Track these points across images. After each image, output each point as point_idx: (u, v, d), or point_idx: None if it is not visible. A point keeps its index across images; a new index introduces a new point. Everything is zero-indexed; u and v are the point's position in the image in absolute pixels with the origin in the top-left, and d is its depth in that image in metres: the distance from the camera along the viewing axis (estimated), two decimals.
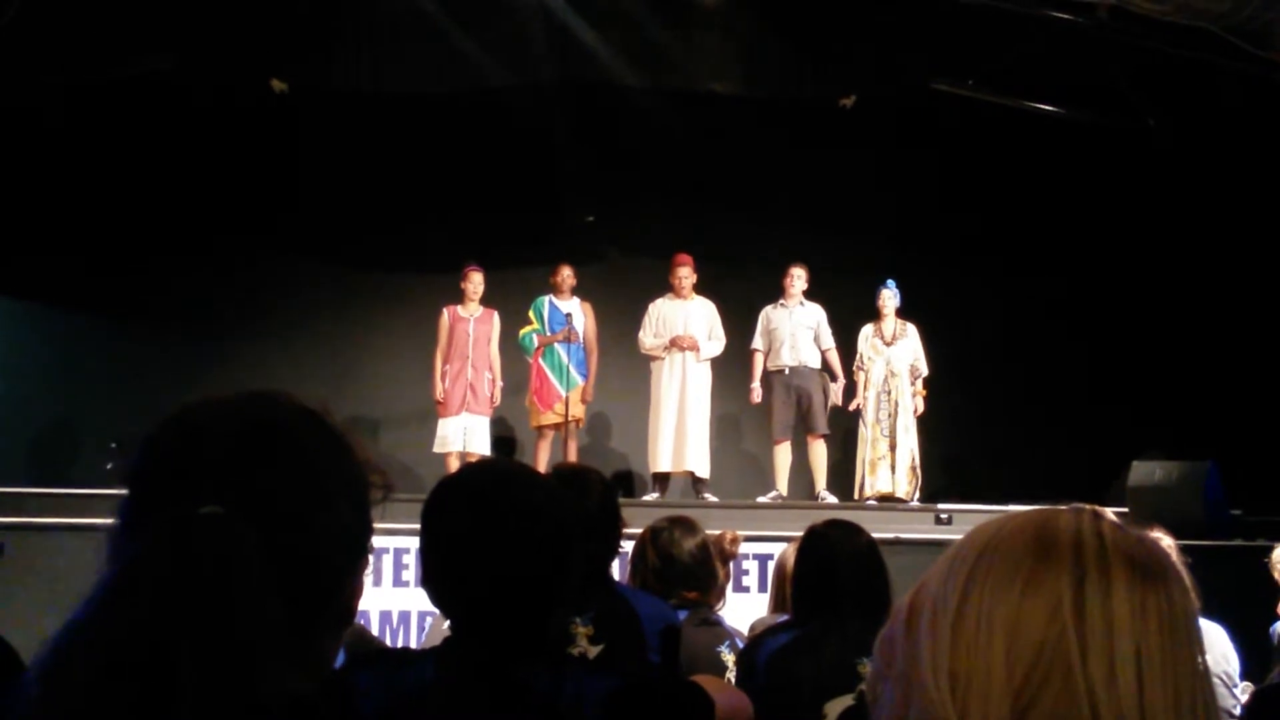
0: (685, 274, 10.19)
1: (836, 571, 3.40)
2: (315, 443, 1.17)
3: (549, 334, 10.14)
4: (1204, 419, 10.02)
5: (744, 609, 6.63)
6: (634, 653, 3.02)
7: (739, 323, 10.35)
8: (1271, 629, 6.27)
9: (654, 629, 3.12)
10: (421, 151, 11.26)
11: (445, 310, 10.21)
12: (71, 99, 10.44)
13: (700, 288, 10.30)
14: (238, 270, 11.44)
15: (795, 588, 3.57)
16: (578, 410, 10.10)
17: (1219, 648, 4.72)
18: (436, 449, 9.97)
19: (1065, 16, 9.54)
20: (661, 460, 10.07)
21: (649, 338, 10.20)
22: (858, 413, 10.14)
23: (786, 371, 10.08)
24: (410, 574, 8.34)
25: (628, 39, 10.45)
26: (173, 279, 11.25)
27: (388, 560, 8.47)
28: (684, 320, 10.13)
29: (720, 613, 4.27)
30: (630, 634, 3.06)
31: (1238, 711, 4.31)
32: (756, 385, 10.21)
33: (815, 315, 10.19)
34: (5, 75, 9.64)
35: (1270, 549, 8.43)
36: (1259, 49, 8.98)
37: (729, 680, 3.55)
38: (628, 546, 3.83)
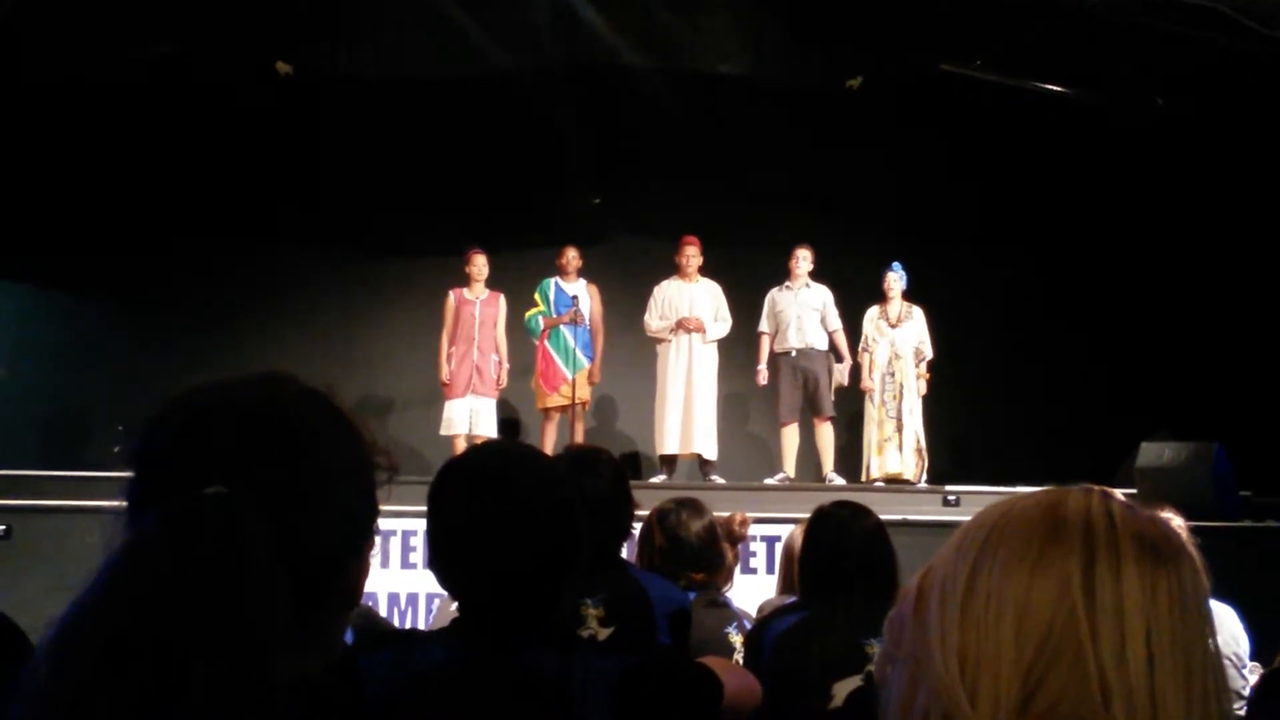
0: (692, 254, 10.17)
1: (844, 552, 3.39)
2: (320, 425, 1.17)
3: (555, 316, 10.14)
4: (1212, 399, 10.01)
5: (751, 590, 6.64)
6: (644, 635, 3.02)
7: (745, 305, 10.34)
8: None
9: (664, 612, 3.12)
10: (426, 135, 11.25)
11: (451, 293, 10.21)
12: (80, 84, 10.42)
13: (706, 270, 10.28)
14: (244, 254, 11.44)
15: (802, 569, 3.56)
16: (584, 392, 10.11)
17: (1229, 628, 4.72)
18: (443, 431, 9.98)
19: None
20: (668, 443, 10.07)
21: (654, 320, 10.19)
22: (864, 394, 10.14)
23: (793, 354, 10.07)
24: (418, 556, 8.35)
25: (633, 20, 10.41)
26: (180, 263, 11.26)
27: (395, 542, 8.47)
28: (689, 302, 10.12)
29: (728, 594, 4.28)
30: (641, 616, 3.06)
31: (1247, 692, 4.31)
32: (763, 367, 10.21)
33: (821, 296, 10.18)
34: (8, 63, 9.63)
35: (1276, 530, 8.44)
36: (1268, 29, 8.94)
37: (737, 661, 3.55)
38: (638, 528, 3.83)
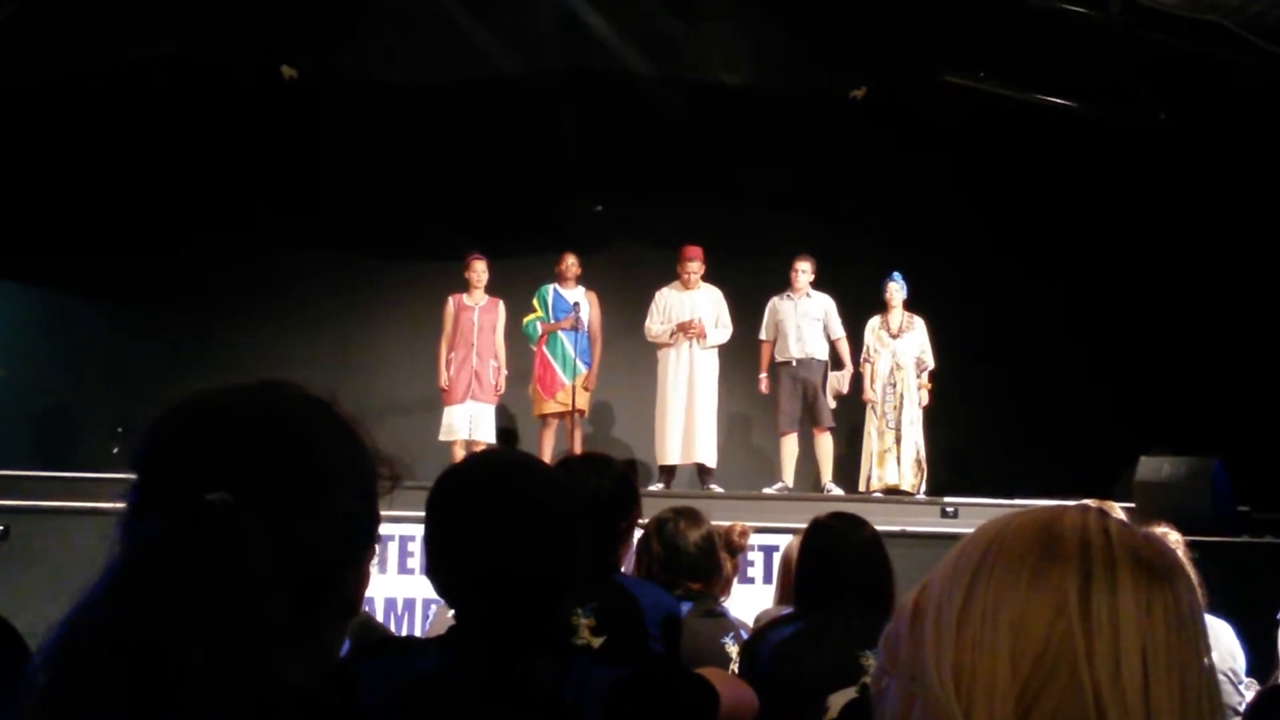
0: (695, 268, 10.15)
1: (840, 564, 3.39)
2: (323, 432, 1.18)
3: (552, 322, 10.14)
4: (1211, 414, 10.01)
5: (749, 600, 6.64)
6: (637, 643, 3.02)
7: (747, 313, 10.34)
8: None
9: (655, 619, 3.12)
10: (429, 140, 11.25)
11: (450, 299, 10.21)
12: (78, 84, 10.43)
13: (707, 278, 10.28)
14: (244, 257, 11.44)
15: (798, 580, 3.56)
16: (582, 399, 10.09)
17: (1225, 644, 4.71)
18: (442, 437, 9.97)
19: (1078, 9, 9.51)
20: (670, 453, 10.05)
21: (655, 325, 10.18)
22: (864, 405, 10.14)
23: (793, 363, 10.06)
24: (415, 561, 8.35)
25: (637, 28, 10.41)
26: (179, 265, 11.27)
27: (393, 547, 8.47)
28: (690, 309, 10.11)
29: (725, 604, 4.28)
30: (632, 624, 3.06)
31: (1243, 709, 4.30)
32: (765, 375, 10.20)
33: (823, 305, 10.17)
34: (10, 62, 9.64)
35: (1275, 545, 8.42)
36: (1271, 44, 8.96)
37: (733, 671, 3.55)
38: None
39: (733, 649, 3.79)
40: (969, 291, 11.23)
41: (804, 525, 3.66)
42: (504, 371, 10.24)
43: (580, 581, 2.01)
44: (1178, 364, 10.71)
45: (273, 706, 0.98)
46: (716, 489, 9.94)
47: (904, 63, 10.74)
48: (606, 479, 3.17)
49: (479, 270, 10.17)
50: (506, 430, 10.96)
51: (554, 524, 1.95)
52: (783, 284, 10.27)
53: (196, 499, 1.03)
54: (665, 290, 10.26)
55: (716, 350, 10.20)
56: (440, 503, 1.98)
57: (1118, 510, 1.00)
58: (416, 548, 8.22)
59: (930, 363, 10.12)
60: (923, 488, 9.97)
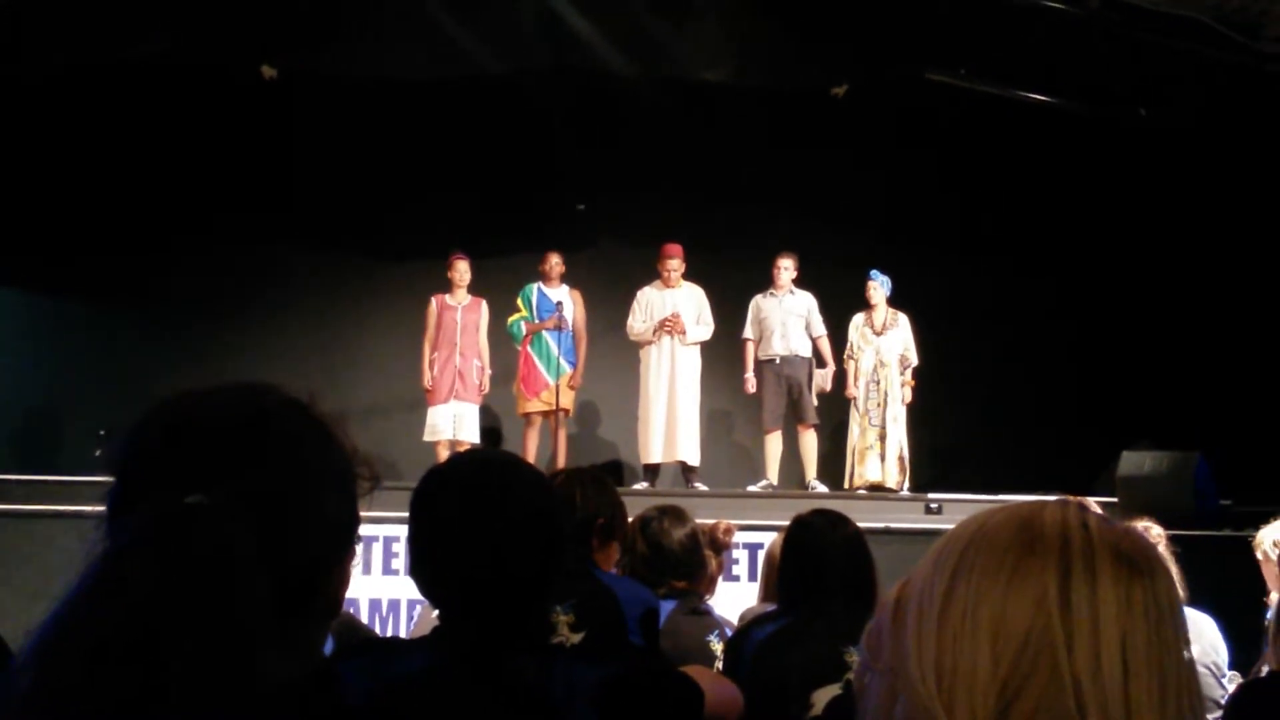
0: (674, 266, 10.15)
1: (822, 561, 3.39)
2: (302, 434, 1.18)
3: (537, 321, 10.13)
4: (1193, 409, 10.05)
5: (734, 598, 6.64)
6: (616, 638, 3.03)
7: (730, 312, 10.33)
8: (1267, 616, 6.25)
9: (634, 613, 3.13)
10: (411, 138, 11.23)
11: (433, 299, 10.20)
12: (62, 84, 10.39)
13: (690, 276, 10.27)
14: (226, 258, 11.38)
15: (781, 577, 3.57)
16: (566, 398, 10.08)
17: (1207, 638, 4.73)
18: (426, 438, 9.96)
19: (1058, 6, 9.54)
20: (653, 452, 10.04)
21: (638, 323, 10.17)
22: (848, 401, 10.15)
23: (777, 361, 10.07)
24: (400, 562, 8.32)
25: (620, 27, 10.40)
26: (160, 267, 11.22)
27: (377, 548, 8.45)
28: (671, 307, 10.10)
29: (710, 602, 4.28)
30: (611, 619, 3.07)
31: (1224, 701, 4.32)
32: (750, 375, 10.19)
33: (805, 303, 10.17)
34: None
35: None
36: (1249, 39, 9.00)
37: (718, 669, 3.56)
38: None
39: (717, 647, 3.79)
40: (952, 288, 11.24)
41: (788, 523, 3.66)
42: (488, 371, 10.22)
43: (559, 579, 2.02)
44: (1160, 360, 10.75)
45: (257, 706, 0.98)
46: (701, 487, 9.94)
47: (886, 60, 10.75)
48: (588, 485, 3.21)
49: (462, 270, 10.15)
50: (491, 430, 10.95)
51: (538, 523, 1.95)
52: (765, 282, 10.27)
53: (176, 500, 1.03)
54: (646, 289, 10.26)
55: (698, 348, 10.18)
56: (424, 503, 1.98)
57: (1093, 505, 1.01)
58: (401, 548, 8.20)
59: (914, 360, 10.12)
60: (906, 484, 9.98)
